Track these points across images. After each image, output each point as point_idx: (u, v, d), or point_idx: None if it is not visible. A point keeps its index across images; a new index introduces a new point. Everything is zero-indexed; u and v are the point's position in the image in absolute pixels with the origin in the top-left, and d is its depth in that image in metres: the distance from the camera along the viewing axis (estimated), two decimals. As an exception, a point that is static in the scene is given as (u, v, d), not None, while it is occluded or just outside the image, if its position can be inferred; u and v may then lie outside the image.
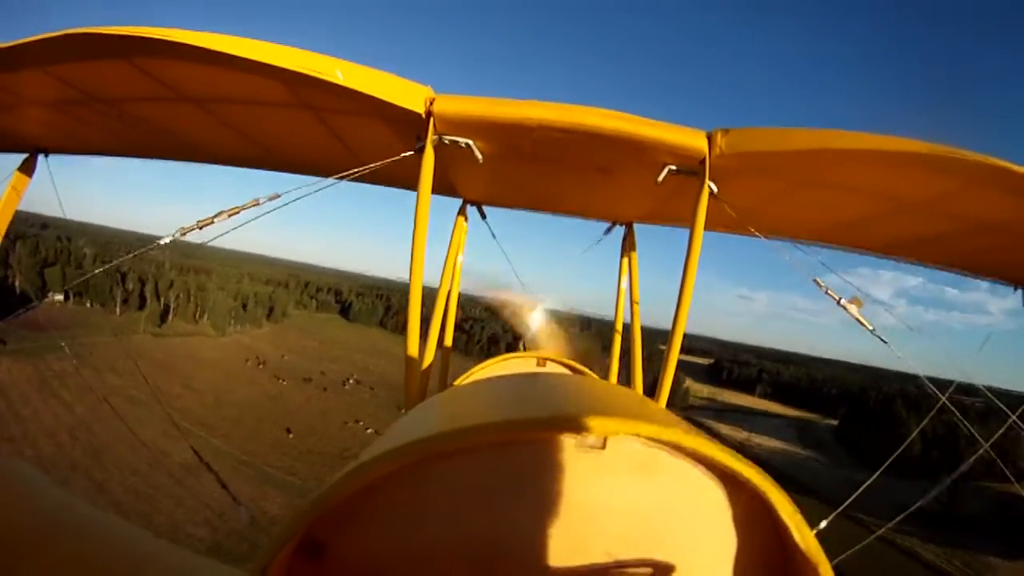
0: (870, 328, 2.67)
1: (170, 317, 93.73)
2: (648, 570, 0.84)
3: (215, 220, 2.42)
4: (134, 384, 50.33)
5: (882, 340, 2.80)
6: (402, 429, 0.95)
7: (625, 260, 4.09)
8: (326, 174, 2.60)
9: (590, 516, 0.84)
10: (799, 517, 0.81)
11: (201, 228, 2.41)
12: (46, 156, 3.31)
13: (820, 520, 3.11)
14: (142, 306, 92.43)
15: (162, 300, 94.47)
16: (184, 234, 2.41)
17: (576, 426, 0.78)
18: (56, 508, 1.21)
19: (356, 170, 2.56)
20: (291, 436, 59.87)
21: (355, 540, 0.81)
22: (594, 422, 0.78)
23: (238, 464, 49.31)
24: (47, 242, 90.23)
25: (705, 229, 2.46)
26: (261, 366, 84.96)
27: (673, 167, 2.45)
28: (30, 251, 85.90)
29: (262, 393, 71.22)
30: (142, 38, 1.91)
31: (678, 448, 0.81)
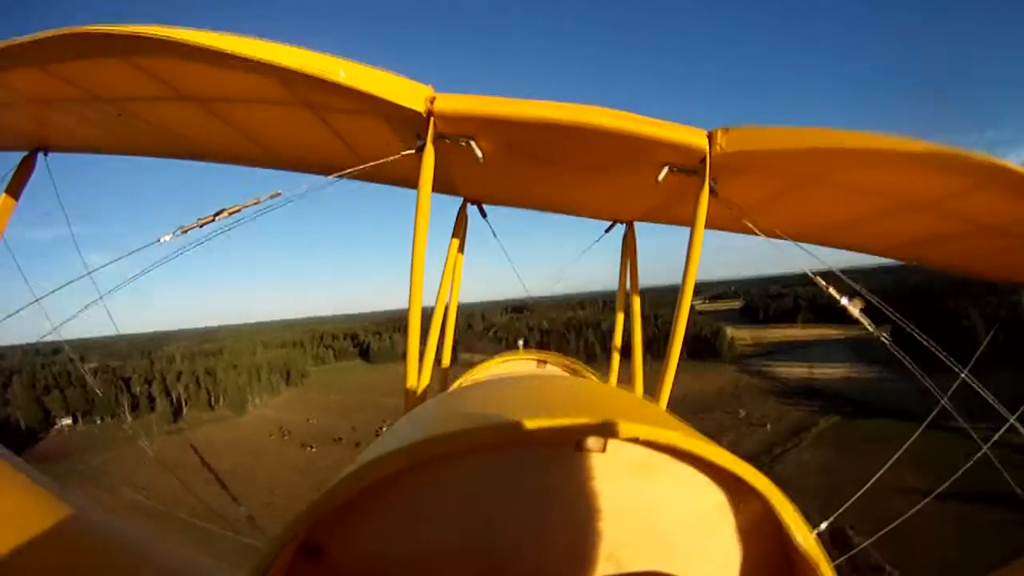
0: (872, 328, 2.67)
1: (184, 410, 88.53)
2: (649, 571, 0.84)
3: (216, 218, 2.41)
4: (154, 493, 49.11)
5: (885, 340, 2.80)
6: (400, 432, 0.94)
7: (626, 259, 4.09)
8: (327, 173, 2.60)
9: (590, 518, 0.84)
10: (799, 518, 0.81)
11: (202, 226, 2.40)
12: (46, 155, 3.31)
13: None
14: (153, 407, 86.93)
15: (173, 394, 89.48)
16: (185, 231, 2.40)
17: (576, 429, 0.78)
18: (54, 506, 1.20)
19: (357, 168, 2.55)
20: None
21: (354, 542, 0.81)
22: (594, 425, 0.78)
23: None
24: (51, 368, 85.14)
25: (705, 227, 2.46)
26: (286, 436, 77.77)
27: (673, 166, 2.45)
28: (28, 383, 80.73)
29: (291, 468, 65.67)
30: (142, 36, 1.91)
31: (678, 450, 0.81)
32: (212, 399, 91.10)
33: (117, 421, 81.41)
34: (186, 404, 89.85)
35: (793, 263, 2.88)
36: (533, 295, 6.02)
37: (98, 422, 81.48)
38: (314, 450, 73.29)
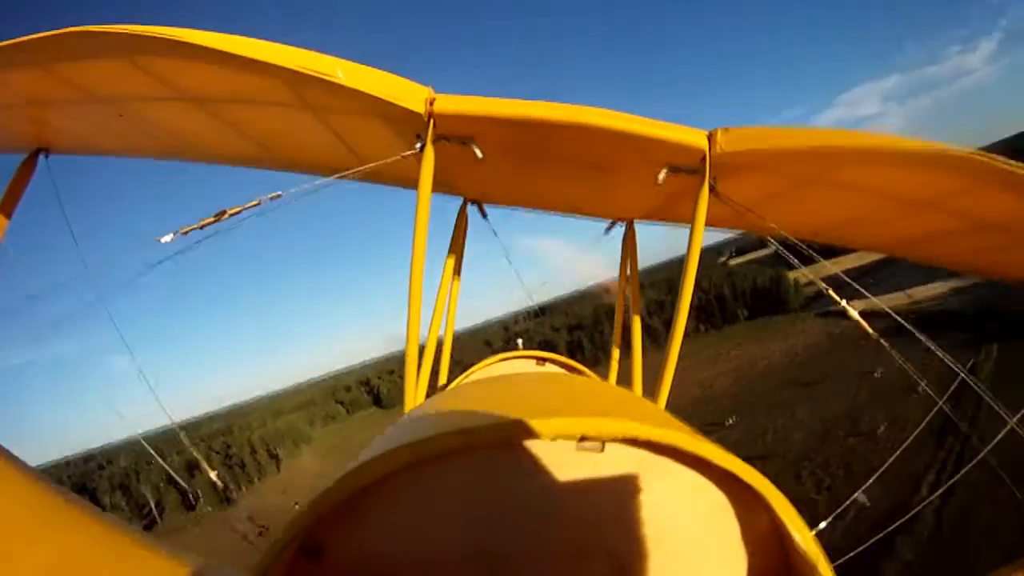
0: (871, 332, 2.67)
1: (159, 520, 70.66)
2: (648, 572, 0.84)
3: (218, 219, 2.41)
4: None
5: (883, 343, 2.80)
6: (401, 430, 0.95)
7: (626, 258, 4.09)
8: (327, 174, 2.60)
9: (589, 518, 0.84)
10: (798, 518, 0.81)
11: (203, 227, 2.41)
12: (46, 156, 3.31)
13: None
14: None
15: (143, 506, 72.40)
16: (186, 233, 2.41)
17: (574, 428, 0.78)
18: (45, 500, 1.19)
19: (357, 169, 2.56)
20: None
21: (355, 541, 0.81)
22: (592, 424, 0.78)
23: None
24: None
25: (706, 226, 2.46)
26: (262, 534, 51.82)
27: (674, 166, 2.45)
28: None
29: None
30: (143, 36, 1.91)
31: (677, 450, 0.81)
32: (191, 497, 69.19)
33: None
34: (160, 511, 72.91)
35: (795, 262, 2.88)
36: (534, 296, 6.01)
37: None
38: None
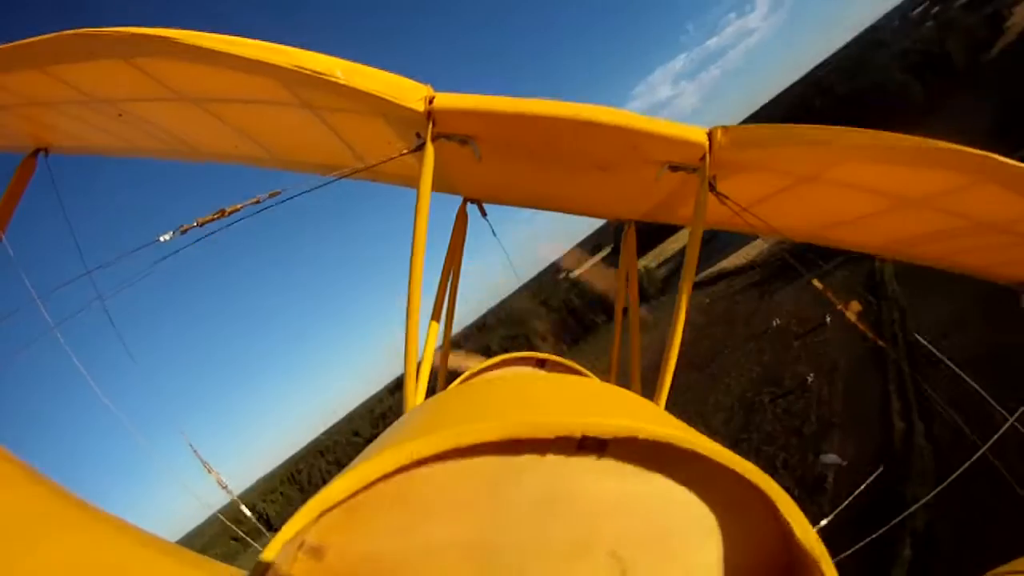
0: (869, 334, 2.68)
1: None
2: (651, 570, 0.84)
3: (216, 218, 2.41)
4: None
5: (881, 344, 2.80)
6: (401, 430, 0.95)
7: (625, 259, 4.09)
8: (326, 173, 2.60)
9: (591, 518, 0.84)
10: (801, 515, 0.81)
11: (201, 225, 2.41)
12: (46, 156, 3.32)
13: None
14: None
15: None
16: (184, 231, 2.41)
17: (576, 428, 0.78)
18: (52, 500, 1.20)
19: (356, 168, 2.56)
20: None
21: (355, 541, 0.81)
22: (593, 424, 0.78)
23: None
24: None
25: (705, 225, 2.46)
26: None
27: (673, 164, 2.45)
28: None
29: None
30: (141, 37, 1.91)
31: (678, 449, 0.81)
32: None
33: None
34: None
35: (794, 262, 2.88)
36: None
37: None
38: None
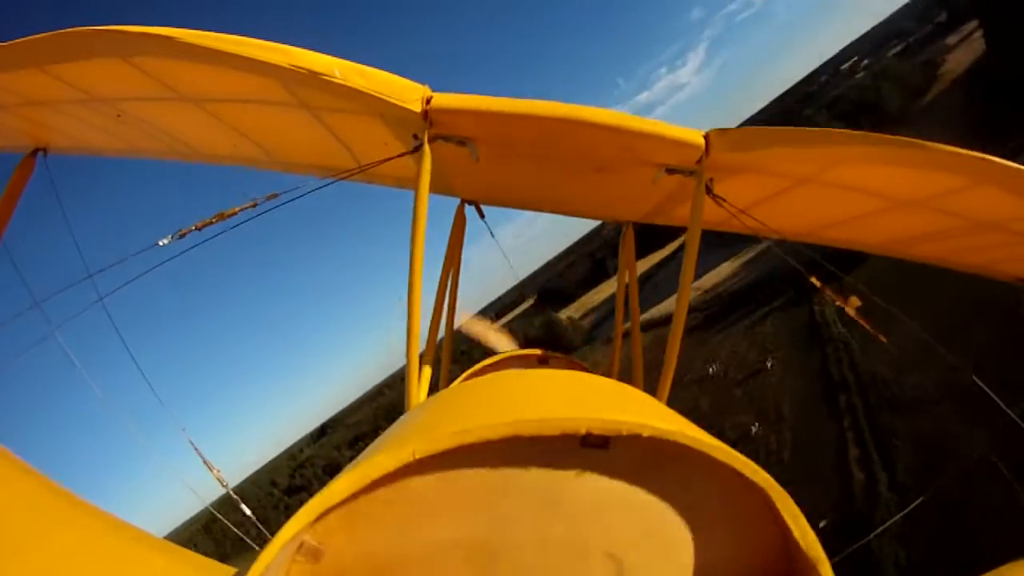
0: (869, 327, 2.68)
1: None
2: (650, 568, 0.84)
3: (214, 221, 2.41)
4: None
5: (881, 339, 2.81)
6: (401, 430, 0.94)
7: (624, 260, 4.09)
8: (324, 174, 2.60)
9: (592, 515, 0.84)
10: (800, 515, 0.81)
11: (200, 229, 2.41)
12: (45, 155, 3.31)
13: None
14: None
15: None
16: (182, 235, 2.41)
17: (579, 425, 0.78)
18: (49, 498, 1.19)
19: (354, 170, 2.56)
20: None
21: (354, 542, 0.81)
22: (597, 420, 0.78)
23: None
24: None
25: (703, 227, 2.47)
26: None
27: (671, 166, 2.45)
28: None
29: None
30: (140, 36, 1.91)
31: (681, 446, 0.81)
32: None
33: None
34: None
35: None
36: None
37: None
38: None
